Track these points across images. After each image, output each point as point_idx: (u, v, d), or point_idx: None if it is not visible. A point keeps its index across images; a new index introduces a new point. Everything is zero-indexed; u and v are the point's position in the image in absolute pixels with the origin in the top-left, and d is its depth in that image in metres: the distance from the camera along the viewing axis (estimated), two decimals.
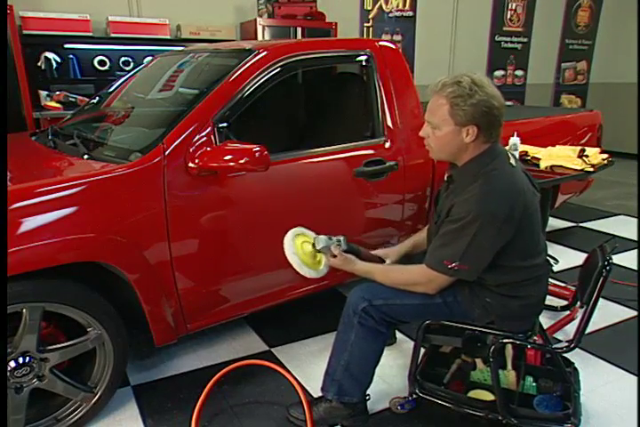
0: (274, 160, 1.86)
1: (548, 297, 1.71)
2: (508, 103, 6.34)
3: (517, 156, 2.47)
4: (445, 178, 1.69)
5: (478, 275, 1.53)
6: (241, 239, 1.98)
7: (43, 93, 3.71)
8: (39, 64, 3.77)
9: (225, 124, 1.88)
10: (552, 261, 1.98)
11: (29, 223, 1.49)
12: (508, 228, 1.44)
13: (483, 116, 1.45)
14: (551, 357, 1.85)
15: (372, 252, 1.85)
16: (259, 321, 2.45)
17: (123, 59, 4.05)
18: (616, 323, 2.47)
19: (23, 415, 1.59)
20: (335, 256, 1.68)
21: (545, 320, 2.28)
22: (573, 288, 2.46)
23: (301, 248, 1.69)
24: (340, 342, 1.67)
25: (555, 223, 4.03)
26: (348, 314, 1.64)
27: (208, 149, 1.79)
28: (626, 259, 3.25)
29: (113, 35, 3.90)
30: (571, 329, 2.25)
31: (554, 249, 3.43)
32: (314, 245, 1.70)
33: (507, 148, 2.49)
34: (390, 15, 5.47)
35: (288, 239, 1.69)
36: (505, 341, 1.63)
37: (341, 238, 1.71)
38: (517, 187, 1.46)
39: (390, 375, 2.04)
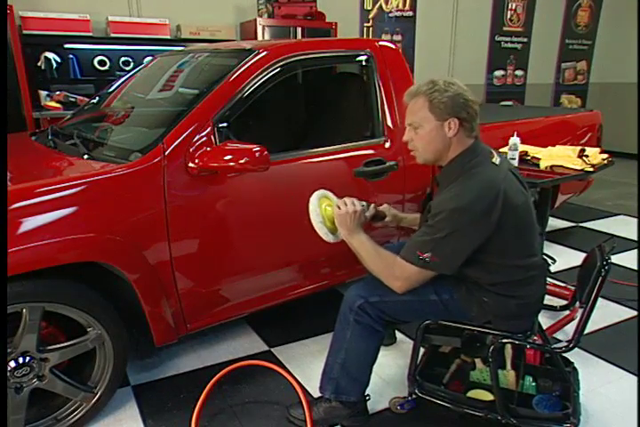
0: (274, 160, 1.86)
1: (547, 297, 1.71)
2: (508, 103, 6.36)
3: (517, 156, 2.47)
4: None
5: (454, 270, 1.52)
6: (241, 239, 1.98)
7: (43, 93, 3.71)
8: (39, 64, 3.77)
9: (225, 124, 1.88)
10: (549, 260, 1.98)
11: (29, 223, 1.49)
12: (484, 224, 1.45)
13: (461, 107, 1.50)
14: (550, 356, 1.85)
15: (380, 208, 1.84)
16: (259, 321, 2.45)
17: (123, 59, 4.05)
18: (616, 323, 2.47)
19: (23, 415, 1.59)
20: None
21: (545, 320, 2.28)
22: (573, 288, 2.46)
23: (325, 212, 1.68)
24: (337, 341, 1.68)
25: (555, 223, 4.03)
26: (345, 312, 1.65)
27: (208, 149, 1.79)
28: (626, 259, 3.24)
29: (113, 35, 3.91)
30: (570, 329, 2.25)
31: (554, 249, 3.43)
32: (338, 206, 1.66)
33: (506, 148, 2.50)
34: (390, 15, 5.47)
35: (314, 204, 1.68)
36: (504, 341, 1.63)
37: (365, 204, 1.70)
38: (494, 185, 1.47)
39: (390, 375, 2.04)
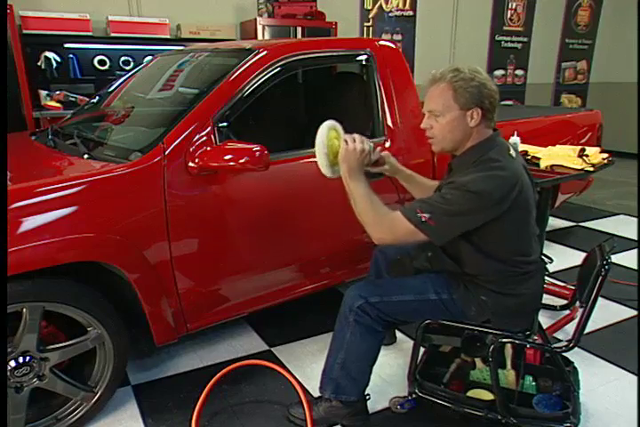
0: (274, 160, 1.86)
1: (547, 297, 1.71)
2: (508, 103, 6.35)
3: None
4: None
5: (443, 241, 1.49)
6: (241, 239, 1.98)
7: (43, 93, 3.71)
8: (39, 64, 3.76)
9: (225, 124, 1.88)
10: (546, 259, 1.98)
11: (29, 223, 1.49)
12: (490, 211, 1.44)
13: (486, 97, 1.47)
14: (550, 356, 1.85)
15: (382, 153, 1.77)
16: (259, 321, 2.45)
17: (123, 58, 4.05)
18: (616, 322, 2.47)
19: (23, 415, 1.59)
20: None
21: (545, 320, 2.28)
22: (573, 288, 2.46)
23: (331, 144, 1.62)
24: (337, 341, 1.67)
25: (555, 223, 4.03)
26: (345, 312, 1.64)
27: (208, 148, 1.79)
28: (626, 258, 3.24)
29: (113, 34, 3.91)
30: (571, 329, 2.25)
31: (554, 248, 3.43)
32: (346, 141, 1.60)
33: None
34: (390, 15, 5.47)
35: (322, 133, 1.61)
36: (504, 340, 1.63)
37: (372, 145, 1.63)
38: (515, 176, 1.46)
39: (390, 375, 2.04)
